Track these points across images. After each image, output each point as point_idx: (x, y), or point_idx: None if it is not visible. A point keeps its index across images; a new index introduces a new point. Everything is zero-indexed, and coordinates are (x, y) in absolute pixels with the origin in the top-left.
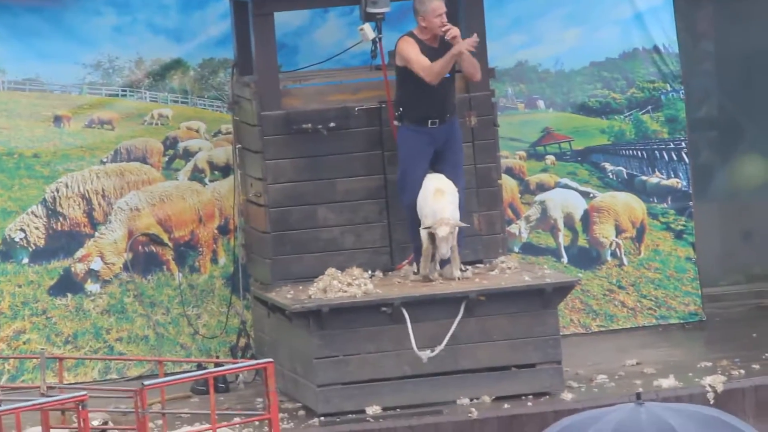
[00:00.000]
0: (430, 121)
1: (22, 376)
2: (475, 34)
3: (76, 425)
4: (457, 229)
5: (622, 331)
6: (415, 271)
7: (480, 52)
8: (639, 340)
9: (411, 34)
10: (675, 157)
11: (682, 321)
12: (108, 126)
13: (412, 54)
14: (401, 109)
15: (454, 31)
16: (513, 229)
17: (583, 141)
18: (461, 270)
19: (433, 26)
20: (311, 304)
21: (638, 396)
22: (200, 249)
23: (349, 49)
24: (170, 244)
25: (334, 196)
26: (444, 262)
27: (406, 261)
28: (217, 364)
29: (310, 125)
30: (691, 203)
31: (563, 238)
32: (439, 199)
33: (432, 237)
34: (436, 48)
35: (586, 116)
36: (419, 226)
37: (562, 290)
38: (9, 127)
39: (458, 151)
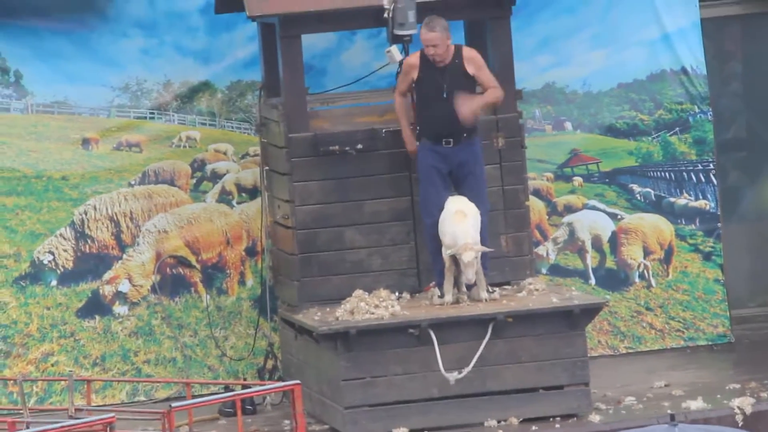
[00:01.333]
0: (444, 140)
1: (51, 399)
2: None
3: None
4: (480, 252)
5: (650, 353)
6: (440, 294)
7: (507, 73)
8: (667, 361)
9: (422, 50)
10: (703, 179)
11: (710, 343)
12: (136, 148)
13: (402, 72)
14: (418, 126)
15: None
16: (541, 250)
17: (610, 162)
18: (488, 291)
19: (428, 54)
20: (338, 326)
21: (672, 417)
22: (228, 271)
23: (376, 71)
24: (198, 266)
25: (361, 217)
26: (470, 284)
27: (434, 283)
28: (244, 386)
29: (337, 147)
30: (719, 224)
31: (591, 259)
32: (460, 222)
33: (455, 259)
34: (441, 68)
35: (614, 138)
36: (440, 247)
37: (590, 312)
38: (38, 150)
39: (479, 174)
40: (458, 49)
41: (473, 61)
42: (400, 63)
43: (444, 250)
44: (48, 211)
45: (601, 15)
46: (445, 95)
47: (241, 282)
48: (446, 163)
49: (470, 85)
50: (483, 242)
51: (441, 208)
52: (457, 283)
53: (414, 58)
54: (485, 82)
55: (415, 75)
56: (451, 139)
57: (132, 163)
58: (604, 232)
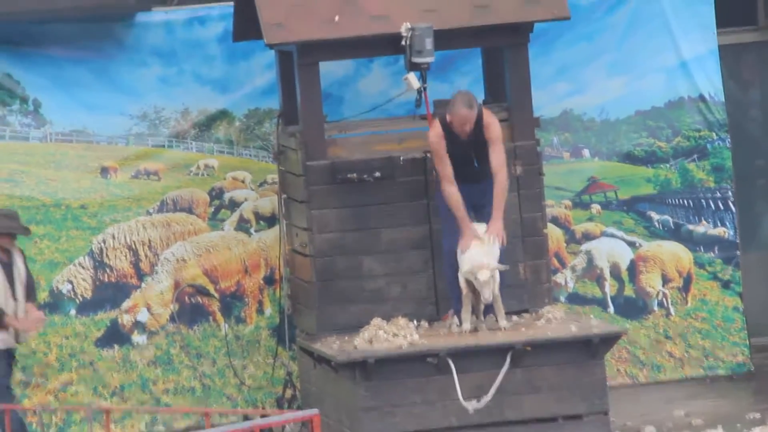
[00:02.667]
0: (465, 183)
1: (70, 429)
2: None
3: None
4: (498, 277)
5: (670, 382)
6: (458, 323)
7: (525, 101)
8: (687, 391)
9: (443, 121)
10: (721, 206)
11: (730, 372)
12: (154, 177)
13: (438, 156)
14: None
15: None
16: (559, 278)
17: (628, 190)
18: (506, 320)
19: (456, 131)
20: (357, 355)
21: None
22: (246, 299)
23: (393, 99)
24: (216, 294)
25: (379, 246)
26: (487, 311)
27: (452, 311)
28: (263, 416)
29: (355, 175)
30: (738, 252)
31: (609, 287)
32: (477, 247)
33: (472, 286)
34: (464, 139)
35: (632, 165)
36: (458, 274)
37: (609, 340)
38: (56, 179)
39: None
40: (479, 117)
41: (491, 131)
42: (418, 90)
43: (460, 276)
44: (67, 240)
45: (619, 42)
46: (476, 166)
47: (260, 311)
48: (467, 197)
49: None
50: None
51: (459, 237)
52: (475, 311)
53: (439, 132)
54: (493, 159)
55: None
56: (471, 183)
57: (150, 192)
58: (622, 259)
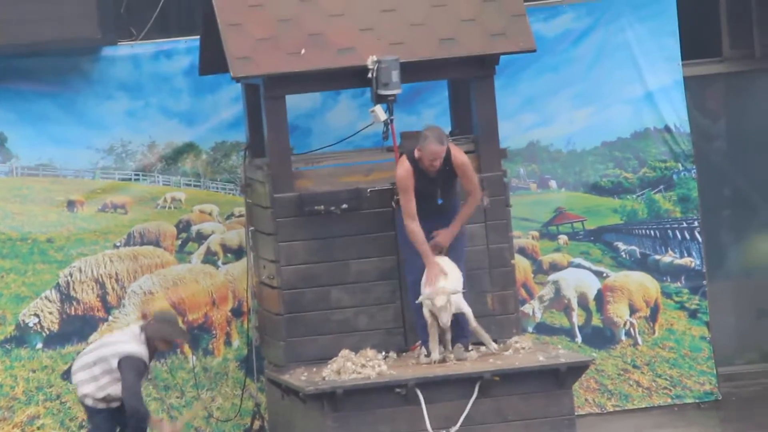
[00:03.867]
0: (426, 219)
1: None
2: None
3: None
4: (462, 304)
5: (638, 411)
6: (426, 354)
7: (492, 132)
8: (654, 419)
9: (411, 157)
10: (688, 236)
11: (697, 400)
12: (121, 210)
13: (403, 191)
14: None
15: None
16: (526, 308)
17: (595, 220)
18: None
19: (425, 166)
20: (325, 386)
21: None
22: (214, 332)
23: (360, 131)
24: (184, 327)
25: (347, 277)
26: (454, 342)
27: (420, 342)
28: None
29: (322, 207)
30: (704, 282)
31: (577, 317)
32: (440, 279)
33: (435, 316)
34: (430, 175)
35: (599, 196)
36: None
37: (577, 370)
38: (23, 213)
39: (460, 238)
40: (447, 152)
41: (461, 168)
42: (385, 122)
43: (424, 308)
44: (33, 274)
45: (584, 74)
46: (440, 201)
47: (228, 343)
48: (430, 230)
49: (457, 183)
50: (465, 302)
51: (424, 267)
52: (442, 342)
53: (408, 168)
54: (466, 185)
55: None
56: (433, 221)
57: (117, 225)
58: (589, 290)
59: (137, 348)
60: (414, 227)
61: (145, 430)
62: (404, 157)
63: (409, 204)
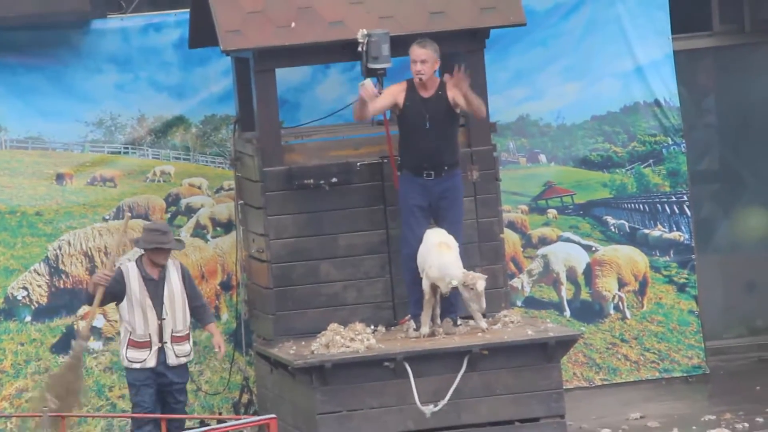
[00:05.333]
0: (425, 173)
1: None
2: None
3: None
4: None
5: (626, 385)
6: (415, 327)
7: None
8: (642, 393)
9: (409, 80)
10: (677, 210)
11: (685, 374)
12: (110, 183)
13: (384, 92)
14: (399, 157)
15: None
16: (515, 283)
17: (585, 195)
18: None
19: (412, 71)
20: (314, 360)
21: None
22: None
23: (350, 105)
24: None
25: (336, 251)
26: (443, 316)
27: (409, 316)
28: (220, 421)
29: (312, 181)
30: (693, 256)
31: (566, 291)
32: (445, 253)
33: (434, 289)
34: (426, 98)
35: (588, 170)
36: (417, 278)
37: (565, 344)
38: (12, 186)
39: (458, 207)
40: (442, 83)
41: (457, 91)
42: (375, 96)
43: (425, 281)
44: (22, 247)
45: (574, 48)
46: (427, 125)
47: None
48: (427, 196)
49: (453, 117)
50: None
51: (419, 241)
52: (432, 316)
53: (401, 86)
54: (470, 102)
55: (400, 100)
56: (432, 172)
57: (106, 198)
58: (578, 264)
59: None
60: (356, 107)
61: None
62: (404, 81)
63: (379, 99)
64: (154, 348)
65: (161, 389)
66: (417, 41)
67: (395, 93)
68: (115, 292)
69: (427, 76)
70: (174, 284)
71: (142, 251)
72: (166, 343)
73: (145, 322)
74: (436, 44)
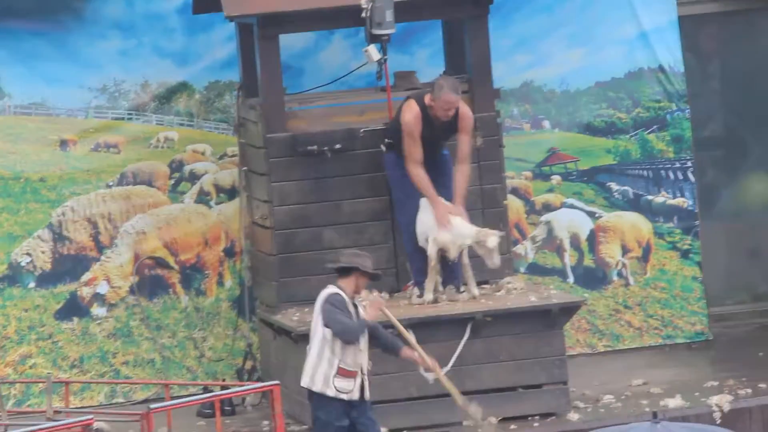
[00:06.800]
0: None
1: (29, 401)
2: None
3: None
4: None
5: (629, 351)
6: (418, 294)
7: (485, 72)
8: (645, 360)
9: (421, 103)
10: (681, 177)
11: (688, 341)
12: (114, 149)
13: (409, 137)
14: (391, 141)
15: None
16: (519, 249)
17: (588, 161)
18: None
19: (439, 116)
20: None
21: (654, 415)
22: (206, 272)
23: (354, 71)
24: (176, 267)
25: (339, 217)
26: (446, 283)
27: (412, 282)
28: (223, 387)
29: (315, 147)
30: (697, 222)
31: (569, 258)
32: (453, 218)
33: (440, 255)
34: (439, 125)
35: (592, 136)
36: (417, 246)
37: (568, 310)
38: (15, 152)
39: (448, 174)
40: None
41: (466, 120)
42: (379, 62)
43: (432, 247)
44: (26, 213)
45: (578, 14)
46: (433, 141)
47: (220, 283)
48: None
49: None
50: None
51: (417, 207)
52: (435, 283)
53: (417, 113)
54: (463, 143)
55: (419, 130)
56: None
57: (110, 164)
58: (582, 230)
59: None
60: (420, 172)
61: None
62: (413, 102)
63: (415, 149)
64: (358, 380)
65: (351, 421)
66: (448, 82)
67: (416, 132)
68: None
69: None
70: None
71: (338, 276)
72: (364, 375)
73: (355, 352)
74: (458, 82)
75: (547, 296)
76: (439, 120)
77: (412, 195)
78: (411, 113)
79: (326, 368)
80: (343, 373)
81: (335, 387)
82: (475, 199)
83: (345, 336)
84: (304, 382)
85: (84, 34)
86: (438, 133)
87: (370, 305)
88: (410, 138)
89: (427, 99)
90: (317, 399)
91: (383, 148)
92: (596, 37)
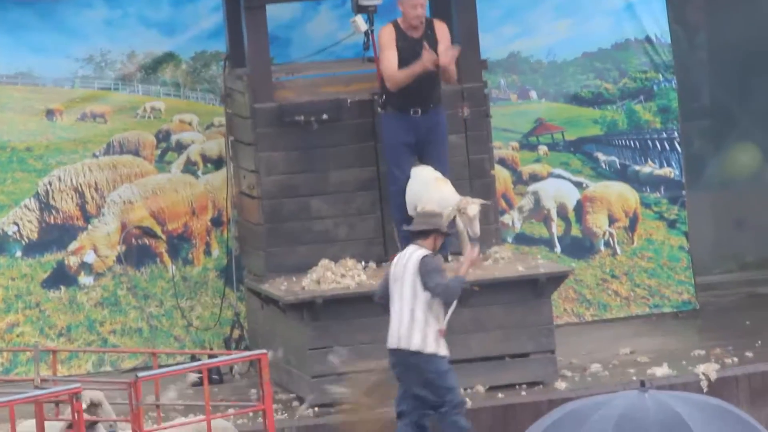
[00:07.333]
0: (411, 110)
1: (16, 369)
2: (455, 48)
3: (70, 417)
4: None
5: (616, 321)
6: None
7: (472, 44)
8: (632, 329)
9: (394, 22)
10: (667, 147)
11: (675, 310)
12: (100, 119)
13: (384, 48)
14: (384, 96)
15: (431, 56)
16: (506, 219)
17: (575, 131)
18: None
19: (408, 16)
20: (305, 296)
21: (642, 383)
22: (194, 241)
23: (341, 42)
24: (163, 236)
25: (327, 187)
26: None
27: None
28: (211, 356)
29: (302, 117)
30: (683, 192)
31: (556, 228)
32: (443, 187)
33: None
34: (416, 38)
35: (579, 107)
36: (407, 215)
37: (556, 280)
38: (1, 121)
39: (443, 143)
40: (429, 21)
41: (444, 36)
42: (366, 33)
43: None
44: (12, 182)
45: None
46: (429, 88)
47: (207, 252)
48: (413, 134)
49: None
50: None
51: (408, 178)
52: None
53: (390, 30)
54: (445, 57)
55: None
56: (420, 109)
57: (96, 134)
58: (569, 200)
59: None
60: (398, 73)
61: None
62: (387, 24)
63: (391, 59)
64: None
65: None
66: None
67: (393, 43)
68: None
69: (421, 19)
70: None
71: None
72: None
73: (447, 311)
74: None
75: (535, 266)
76: (414, 30)
77: (403, 164)
78: (384, 27)
79: (434, 329)
80: (442, 333)
81: (444, 346)
82: (463, 170)
83: (450, 298)
84: (414, 344)
85: (70, 3)
86: (416, 47)
87: (468, 262)
88: (384, 49)
89: (400, 18)
90: (428, 359)
91: (379, 109)
92: (583, 7)
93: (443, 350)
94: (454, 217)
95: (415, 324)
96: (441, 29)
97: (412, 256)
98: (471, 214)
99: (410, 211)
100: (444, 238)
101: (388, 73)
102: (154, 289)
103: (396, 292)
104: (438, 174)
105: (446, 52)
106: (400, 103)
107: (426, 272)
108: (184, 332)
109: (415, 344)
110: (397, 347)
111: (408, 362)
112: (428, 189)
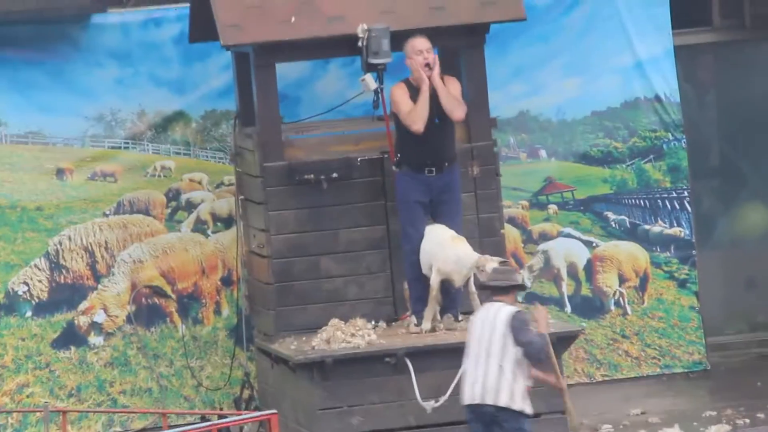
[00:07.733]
0: (426, 169)
1: (26, 430)
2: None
3: None
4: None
5: (627, 381)
6: (416, 323)
7: (481, 101)
8: (643, 389)
9: (405, 80)
10: (677, 206)
11: (686, 370)
12: (111, 178)
13: (400, 100)
14: (399, 155)
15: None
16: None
17: (585, 190)
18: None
19: (415, 65)
20: (315, 355)
21: None
22: (203, 301)
23: (350, 100)
24: (173, 296)
25: (336, 246)
26: (444, 312)
27: (410, 312)
28: (221, 416)
29: (312, 176)
30: (694, 252)
31: (566, 287)
32: (460, 246)
33: (444, 286)
34: (430, 95)
35: (588, 165)
36: (419, 275)
37: (566, 340)
38: (12, 181)
39: (457, 202)
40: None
41: (455, 90)
42: (375, 91)
43: (435, 277)
44: (22, 242)
45: (574, 43)
46: (436, 121)
47: (217, 311)
48: (427, 193)
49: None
50: None
51: (422, 237)
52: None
53: (402, 87)
54: (442, 94)
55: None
56: (434, 168)
57: (107, 193)
58: (579, 259)
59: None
60: (414, 109)
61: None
62: (399, 83)
63: (407, 105)
64: None
65: None
66: (411, 37)
67: (407, 95)
68: None
69: (435, 63)
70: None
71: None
72: None
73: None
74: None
75: None
76: (425, 83)
77: (417, 223)
78: (395, 87)
79: (522, 385)
80: (528, 390)
81: (529, 404)
82: (473, 229)
83: (539, 355)
84: (502, 400)
85: (80, 63)
86: (435, 106)
87: (541, 318)
88: (399, 104)
89: (411, 77)
90: (515, 416)
91: (394, 167)
92: (592, 66)
93: (529, 408)
94: (473, 275)
95: (503, 379)
96: (451, 83)
97: (500, 311)
98: (489, 270)
99: (424, 270)
100: (519, 291)
101: (412, 117)
102: (164, 348)
103: (478, 347)
104: (453, 232)
105: (434, 76)
106: (415, 163)
107: (519, 328)
108: (194, 392)
109: (503, 400)
110: (482, 402)
111: (491, 418)
112: (444, 248)
